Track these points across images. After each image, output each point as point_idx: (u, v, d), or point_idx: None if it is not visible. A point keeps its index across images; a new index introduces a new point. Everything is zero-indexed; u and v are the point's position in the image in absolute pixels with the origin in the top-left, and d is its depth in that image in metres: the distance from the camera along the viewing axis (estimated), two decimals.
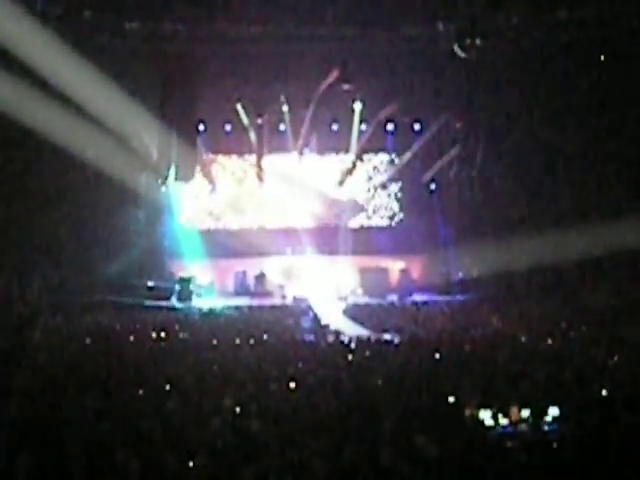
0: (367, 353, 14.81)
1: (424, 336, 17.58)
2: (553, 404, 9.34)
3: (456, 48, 21.81)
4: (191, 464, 7.92)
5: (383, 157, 32.10)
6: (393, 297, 27.90)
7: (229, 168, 31.51)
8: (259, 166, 30.51)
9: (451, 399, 10.11)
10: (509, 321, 19.52)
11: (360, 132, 30.66)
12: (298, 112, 29.46)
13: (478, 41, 21.24)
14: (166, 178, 28.51)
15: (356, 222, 31.76)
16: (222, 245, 30.20)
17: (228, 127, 30.04)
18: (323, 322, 21.02)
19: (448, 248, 29.93)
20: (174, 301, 27.10)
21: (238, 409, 9.91)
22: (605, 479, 7.60)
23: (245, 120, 29.60)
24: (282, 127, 30.29)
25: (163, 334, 17.86)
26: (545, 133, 27.67)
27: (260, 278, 29.56)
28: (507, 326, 18.61)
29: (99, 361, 14.13)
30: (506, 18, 25.36)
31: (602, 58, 26.03)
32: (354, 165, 31.27)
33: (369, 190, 32.00)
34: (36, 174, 25.60)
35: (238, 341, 16.74)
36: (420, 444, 8.09)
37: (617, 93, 26.12)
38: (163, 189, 29.42)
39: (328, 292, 27.16)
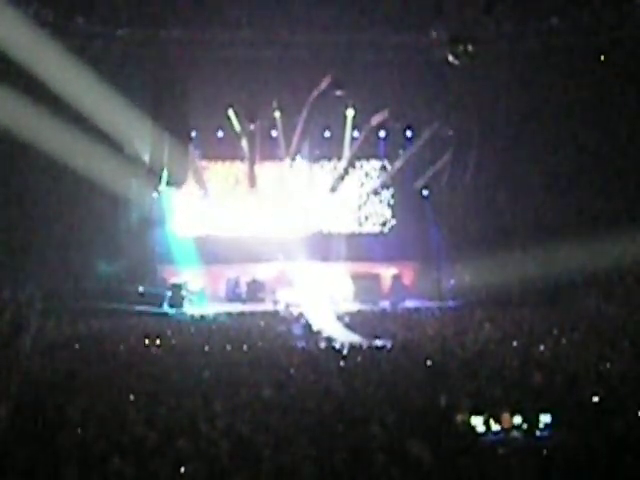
0: (359, 359, 14.82)
1: (416, 342, 17.60)
2: (545, 410, 9.35)
3: (448, 55, 21.83)
4: (183, 470, 7.91)
5: (375, 164, 32.10)
6: (385, 303, 27.90)
7: (221, 174, 31.46)
8: (251, 172, 30.46)
9: (443, 405, 10.11)
10: (501, 327, 19.52)
11: (352, 139, 30.63)
12: (290, 118, 29.44)
13: (470, 48, 21.25)
14: (158, 184, 28.42)
15: (348, 228, 31.77)
16: (214, 251, 30.13)
17: (220, 133, 29.97)
18: (315, 328, 20.99)
19: (440, 254, 29.97)
20: (166, 307, 27.05)
21: (230, 415, 9.90)
22: None
23: (237, 126, 29.54)
24: (274, 133, 30.24)
25: (155, 340, 17.83)
26: (538, 140, 27.76)
27: (252, 284, 29.52)
28: (499, 332, 18.62)
29: (91, 367, 14.12)
30: (499, 25, 25.46)
31: (596, 64, 26.09)
32: (346, 172, 31.27)
33: (361, 197, 32.00)
34: (27, 180, 25.60)
35: (230, 347, 16.73)
36: (412, 450, 8.09)
37: (611, 99, 26.21)
38: (155, 195, 29.34)
39: (320, 298, 27.12)
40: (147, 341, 17.75)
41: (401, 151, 30.86)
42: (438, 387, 11.36)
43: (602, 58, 26.05)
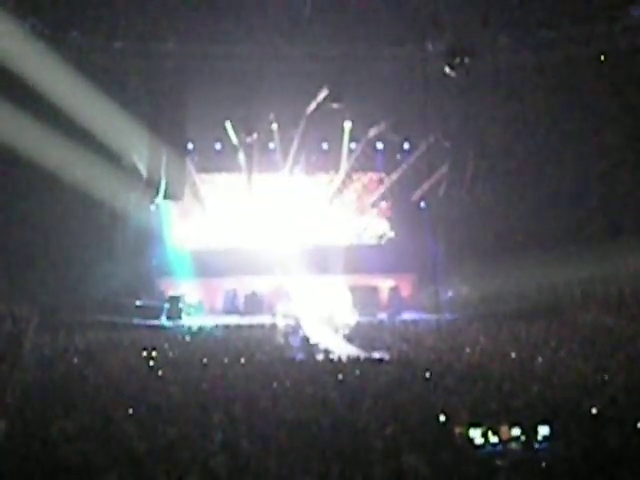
0: (357, 371, 14.79)
1: (414, 355, 17.58)
2: (543, 422, 9.33)
3: (445, 67, 21.91)
4: None
5: (373, 176, 32.16)
6: (383, 315, 27.85)
7: (218, 187, 31.47)
8: (249, 185, 30.47)
9: (441, 417, 10.09)
10: (499, 340, 19.51)
11: (350, 151, 30.74)
12: (288, 131, 29.50)
13: (467, 60, 21.33)
14: (156, 197, 28.39)
15: (346, 241, 31.74)
16: (211, 264, 30.17)
17: (217, 146, 30.06)
18: (313, 341, 20.97)
19: (437, 267, 29.84)
20: (163, 320, 27.02)
21: (228, 427, 9.87)
22: None
23: (234, 139, 29.60)
24: (272, 146, 30.32)
25: (152, 353, 17.78)
26: (535, 152, 27.79)
27: (250, 297, 29.50)
28: (497, 344, 18.60)
29: (88, 380, 14.09)
30: (495, 38, 25.52)
31: (592, 76, 26.16)
32: (344, 184, 31.31)
33: (359, 209, 32.01)
34: (24, 193, 25.58)
35: (227, 360, 16.70)
36: (410, 463, 8.07)
37: (608, 110, 26.26)
38: (153, 208, 29.35)
39: (318, 311, 27.08)
40: (144, 354, 17.70)
41: (398, 163, 30.92)
42: (436, 399, 11.35)
43: (598, 69, 26.10)
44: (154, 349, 18.09)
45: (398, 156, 31.12)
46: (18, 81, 22.24)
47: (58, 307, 24.12)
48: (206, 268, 29.98)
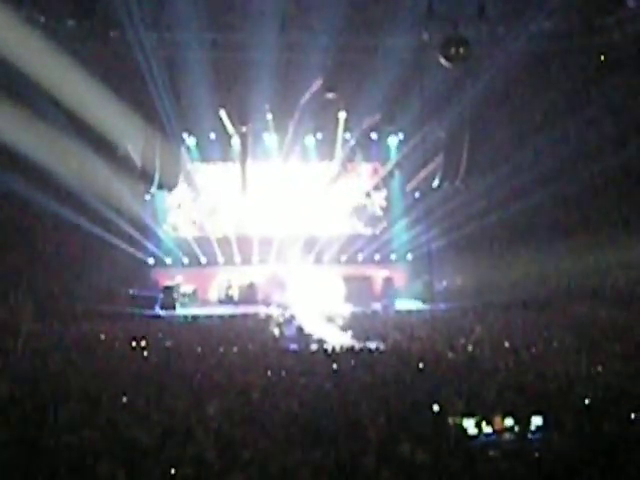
0: (351, 362, 14.79)
1: (408, 345, 17.59)
2: (536, 413, 9.36)
3: (440, 58, 21.85)
4: (174, 473, 7.89)
5: (367, 166, 32.15)
6: (377, 305, 27.86)
7: (213, 176, 31.45)
8: (243, 174, 30.43)
9: (435, 407, 10.11)
10: (492, 330, 19.53)
11: (344, 141, 30.73)
12: (282, 121, 29.47)
13: (462, 51, 21.28)
14: (150, 187, 28.36)
15: (340, 230, 31.75)
16: (206, 253, 30.24)
17: (212, 135, 30.03)
18: (307, 331, 20.96)
19: (432, 257, 29.90)
20: (158, 309, 27.02)
21: (222, 418, 9.88)
22: None
23: (229, 128, 29.57)
24: (266, 135, 30.31)
25: (146, 343, 17.79)
26: (530, 143, 27.79)
27: (244, 287, 29.50)
28: (491, 335, 18.62)
29: (83, 370, 14.08)
30: (491, 28, 25.48)
31: (589, 67, 26.17)
32: (338, 174, 31.29)
33: (353, 199, 31.99)
34: (18, 182, 25.50)
35: (222, 350, 16.71)
36: (404, 453, 8.09)
37: (604, 104, 26.25)
38: (147, 197, 29.34)
39: (312, 301, 27.07)
40: (138, 343, 17.71)
41: (393, 153, 30.93)
42: (430, 389, 11.36)
43: (595, 59, 26.12)
44: (148, 339, 18.14)
45: (392, 146, 31.13)
46: (12, 70, 22.15)
47: (53, 296, 24.13)
48: (200, 257, 30.10)
